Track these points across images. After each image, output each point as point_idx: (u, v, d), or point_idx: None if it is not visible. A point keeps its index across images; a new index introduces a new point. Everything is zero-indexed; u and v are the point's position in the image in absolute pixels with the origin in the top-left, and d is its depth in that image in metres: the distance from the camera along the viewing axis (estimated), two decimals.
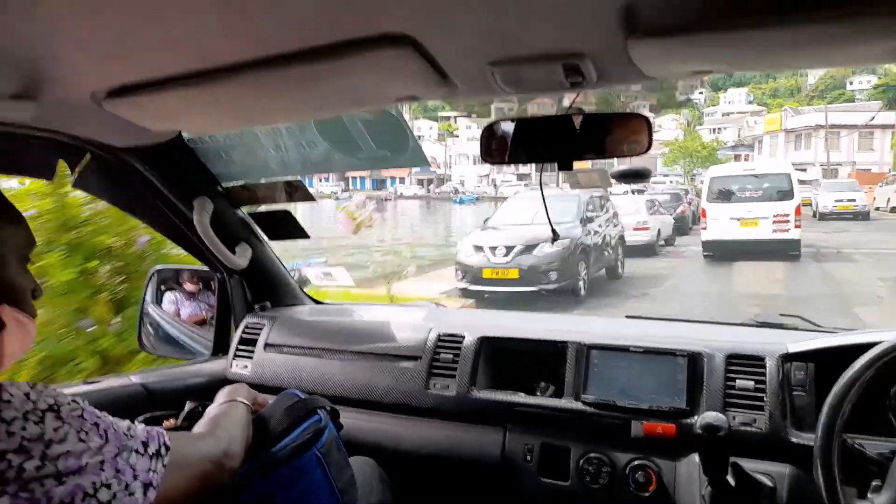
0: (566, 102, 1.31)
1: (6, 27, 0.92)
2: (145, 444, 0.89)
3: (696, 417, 1.43)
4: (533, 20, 0.95)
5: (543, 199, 1.45)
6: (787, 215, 12.93)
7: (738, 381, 1.50)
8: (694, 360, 1.55)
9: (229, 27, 0.96)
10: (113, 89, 1.22)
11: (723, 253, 13.22)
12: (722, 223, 13.42)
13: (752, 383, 1.48)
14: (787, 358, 1.50)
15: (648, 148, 1.25)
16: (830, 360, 1.42)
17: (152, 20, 0.92)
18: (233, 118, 1.50)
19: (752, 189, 13.73)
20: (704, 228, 13.77)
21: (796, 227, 12.94)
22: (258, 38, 1.00)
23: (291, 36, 1.00)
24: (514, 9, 0.90)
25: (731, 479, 1.29)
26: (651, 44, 0.95)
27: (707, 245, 13.65)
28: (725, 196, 13.93)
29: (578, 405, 1.62)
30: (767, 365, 1.49)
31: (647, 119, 1.25)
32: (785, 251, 12.82)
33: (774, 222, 13.03)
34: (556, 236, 1.74)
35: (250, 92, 1.21)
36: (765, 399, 1.46)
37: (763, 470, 1.37)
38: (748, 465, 1.33)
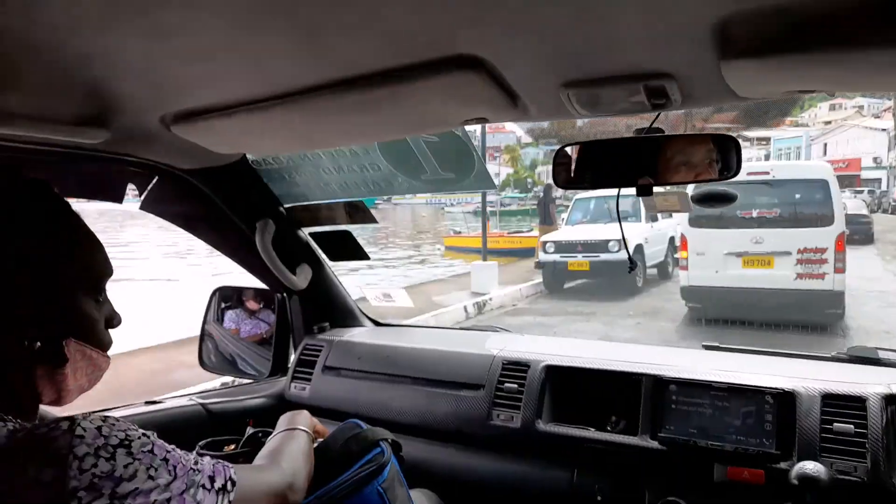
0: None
1: (77, 54, 0.93)
2: (212, 479, 0.86)
3: (787, 463, 1.32)
4: (612, 40, 0.89)
5: (620, 223, 1.37)
6: (823, 250, 7.80)
7: (835, 423, 1.37)
8: (784, 400, 1.42)
9: (297, 52, 0.94)
10: (181, 113, 1.22)
11: (714, 307, 8.23)
12: (712, 260, 8.27)
13: (851, 427, 1.35)
14: (892, 399, 1.36)
15: (738, 171, 1.16)
16: None
17: (222, 46, 0.91)
18: (297, 141, 1.49)
19: (764, 206, 8.27)
20: (684, 268, 8.61)
21: (838, 271, 7.75)
22: (326, 62, 0.98)
23: (360, 60, 0.97)
24: (592, 28, 0.85)
25: None
26: (746, 64, 0.88)
27: (689, 293, 8.58)
28: (718, 216, 8.44)
29: (654, 444, 1.51)
30: (869, 406, 1.36)
31: (735, 140, 1.16)
32: (818, 309, 7.64)
33: (800, 262, 7.87)
34: (632, 265, 1.65)
35: (316, 115, 1.19)
36: (866, 445, 1.32)
37: None
38: None
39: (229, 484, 0.88)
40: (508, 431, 1.68)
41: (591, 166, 1.27)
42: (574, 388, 1.72)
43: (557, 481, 1.61)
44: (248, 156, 1.73)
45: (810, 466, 1.16)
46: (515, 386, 1.72)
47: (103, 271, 0.94)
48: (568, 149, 1.28)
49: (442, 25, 0.85)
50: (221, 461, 0.91)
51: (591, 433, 1.60)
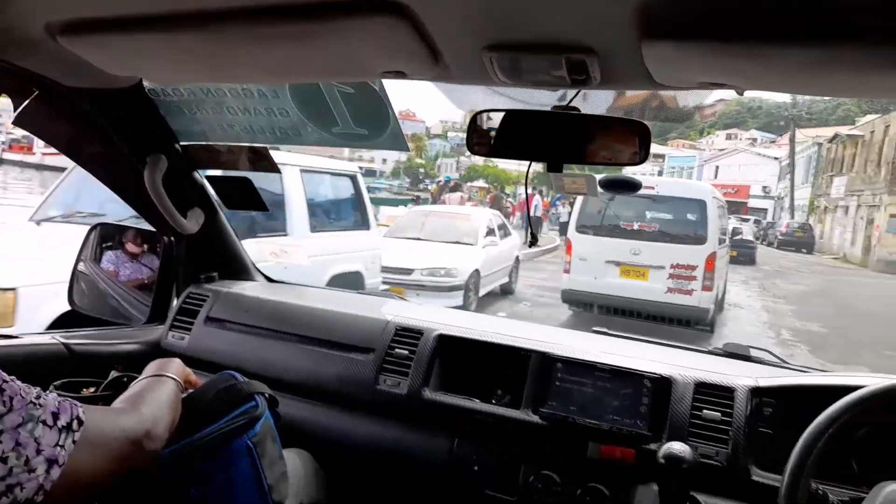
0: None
1: None
2: (55, 416, 0.80)
3: (657, 444, 1.38)
4: (540, 7, 0.88)
5: (528, 199, 1.37)
6: (693, 268, 8.12)
7: (704, 410, 1.44)
8: (661, 385, 1.49)
9: None
10: (71, 23, 1.09)
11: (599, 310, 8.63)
12: (593, 266, 8.52)
13: (718, 414, 1.43)
14: (757, 392, 1.45)
15: (645, 158, 1.18)
16: (799, 400, 1.40)
17: None
18: (201, 71, 1.37)
19: (646, 219, 8.63)
20: (566, 272, 8.85)
21: (705, 289, 8.11)
22: None
23: None
24: None
25: None
26: (665, 47, 0.89)
27: (568, 296, 8.91)
28: (603, 225, 8.76)
29: (535, 418, 1.54)
30: (736, 397, 1.45)
31: (646, 127, 1.19)
32: (688, 321, 8.25)
33: (672, 276, 8.18)
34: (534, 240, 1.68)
35: (224, 44, 1.10)
36: (730, 433, 1.41)
37: None
38: (706, 500, 1.28)
39: (75, 423, 0.82)
40: (394, 397, 1.67)
41: (508, 136, 1.26)
42: (464, 360, 1.73)
43: (437, 450, 1.61)
44: (146, 83, 1.59)
45: (677, 447, 1.22)
46: (406, 352, 1.71)
47: None
48: (486, 115, 1.26)
49: None
50: (70, 399, 0.84)
51: (476, 404, 1.62)
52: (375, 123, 1.51)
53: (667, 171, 47.48)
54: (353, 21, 0.93)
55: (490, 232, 10.10)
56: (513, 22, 0.93)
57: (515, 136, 1.25)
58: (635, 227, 8.64)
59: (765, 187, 46.50)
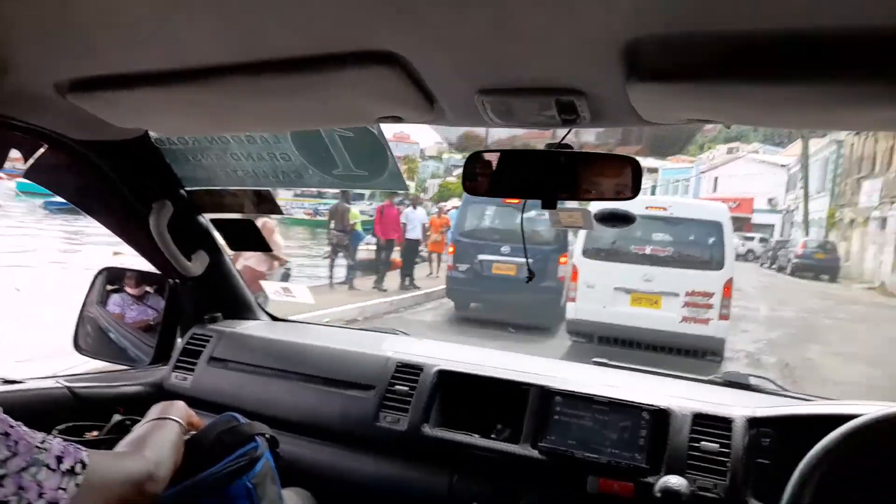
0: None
1: None
2: (59, 459, 0.82)
3: (655, 477, 1.39)
4: (528, 52, 0.92)
5: (523, 235, 1.41)
6: (710, 295, 7.55)
7: (702, 442, 1.45)
8: (659, 417, 1.50)
9: (207, 28, 0.91)
10: (79, 81, 1.14)
11: (598, 342, 7.89)
12: (601, 294, 7.92)
13: (716, 446, 1.44)
14: (754, 423, 1.46)
15: (636, 193, 1.22)
16: (798, 429, 1.40)
17: (123, 12, 0.86)
18: (205, 123, 1.43)
19: (658, 243, 8.02)
20: (572, 300, 8.20)
21: (722, 318, 7.57)
22: (240, 42, 0.95)
23: (275, 44, 0.95)
24: (509, 38, 0.87)
25: None
26: (651, 88, 0.93)
27: (575, 326, 8.20)
28: (612, 250, 8.12)
29: (534, 453, 1.55)
30: (734, 427, 1.45)
31: (636, 162, 1.22)
32: (700, 352, 7.50)
33: (687, 304, 7.61)
34: (531, 276, 1.71)
35: (226, 97, 1.15)
36: (728, 464, 1.41)
37: None
38: None
39: (78, 466, 0.84)
40: (393, 434, 1.68)
41: (504, 176, 1.30)
42: (464, 394, 1.74)
43: (436, 485, 1.62)
44: (151, 133, 1.65)
45: (673, 481, 1.23)
46: (406, 388, 1.73)
47: None
48: (482, 156, 1.30)
49: (360, 19, 0.84)
50: (74, 444, 0.86)
51: (475, 439, 1.63)
52: (374, 165, 1.55)
53: (660, 186, 44.02)
54: (349, 71, 0.97)
55: None
56: (503, 67, 0.98)
57: (511, 175, 1.29)
58: (647, 251, 7.98)
59: (771, 199, 40.46)
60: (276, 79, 1.02)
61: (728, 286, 7.64)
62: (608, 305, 7.90)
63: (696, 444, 1.45)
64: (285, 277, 7.99)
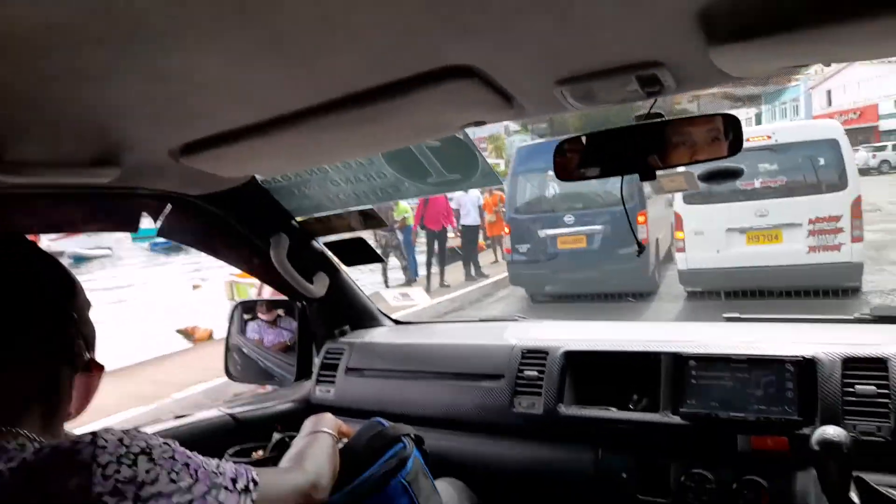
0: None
1: (83, 99, 0.96)
2: (234, 481, 0.90)
3: (810, 429, 1.34)
4: (599, 37, 0.90)
5: (627, 213, 1.39)
6: (837, 218, 6.89)
7: (856, 386, 1.38)
8: (805, 367, 1.44)
9: (293, 78, 0.96)
10: (188, 145, 1.25)
11: (716, 289, 7.44)
12: (712, 238, 7.33)
13: (873, 388, 1.36)
14: None
15: (738, 148, 1.17)
16: None
17: (219, 82, 0.94)
18: (301, 159, 1.52)
19: (768, 174, 7.33)
20: (681, 250, 7.67)
21: (855, 240, 6.89)
22: (319, 85, 1.00)
23: (351, 80, 0.99)
24: (577, 28, 0.86)
25: (854, 497, 1.19)
26: (734, 48, 0.89)
27: (687, 277, 7.76)
28: (716, 192, 7.36)
29: (676, 419, 1.53)
30: (891, 366, 1.37)
31: (734, 118, 1.18)
32: (834, 284, 6.83)
33: (812, 233, 6.99)
34: (640, 249, 1.68)
35: (317, 134, 1.22)
36: (889, 405, 1.34)
37: (891, 483, 1.26)
38: (874, 478, 1.23)
39: (251, 484, 0.92)
40: (531, 418, 1.71)
41: (594, 157, 1.29)
42: (594, 371, 1.74)
43: (582, 463, 1.64)
44: (257, 176, 1.76)
45: (830, 431, 1.18)
46: (535, 373, 1.75)
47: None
48: (571, 140, 1.30)
49: (428, 40, 0.86)
50: (244, 464, 0.95)
51: (613, 413, 1.63)
52: (466, 167, 1.58)
53: (766, 112, 38.58)
54: (427, 90, 1.00)
55: None
56: (576, 56, 0.97)
57: (602, 155, 1.27)
58: (756, 185, 7.33)
59: None
60: (360, 110, 1.07)
61: (857, 205, 6.99)
62: (722, 249, 7.36)
63: (851, 389, 1.38)
64: None
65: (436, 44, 0.88)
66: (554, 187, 8.86)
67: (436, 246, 11.22)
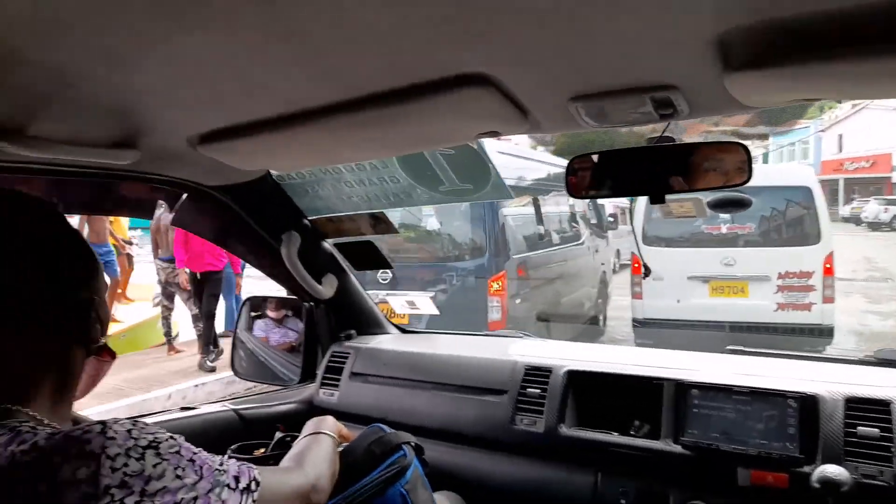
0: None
1: (107, 83, 0.98)
2: (237, 479, 0.90)
3: (811, 467, 1.31)
4: (616, 57, 0.91)
5: (634, 231, 1.38)
6: (809, 275, 6.29)
7: (859, 427, 1.35)
8: (807, 403, 1.42)
9: (311, 74, 0.98)
10: (205, 134, 1.27)
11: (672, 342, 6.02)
12: (672, 285, 6.58)
13: (876, 430, 1.33)
14: None
15: (749, 178, 1.17)
16: None
17: (238, 71, 0.95)
18: (317, 157, 1.53)
19: (737, 219, 6.69)
20: (637, 296, 6.87)
21: (826, 300, 6.31)
22: (337, 83, 1.01)
23: (369, 80, 1.00)
24: (595, 46, 0.87)
25: None
26: (749, 76, 0.89)
27: (642, 326, 6.91)
28: (679, 233, 6.74)
29: (677, 448, 1.51)
30: (894, 410, 1.34)
31: (745, 147, 1.17)
32: (804, 343, 6.22)
33: (782, 289, 6.36)
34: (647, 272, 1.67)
35: (334, 133, 1.23)
36: (892, 449, 1.30)
37: None
38: None
39: (253, 484, 0.92)
40: (532, 436, 1.70)
41: (606, 176, 1.29)
42: (596, 393, 1.73)
43: (581, 486, 1.62)
44: (272, 171, 1.78)
45: (832, 470, 1.16)
46: (538, 391, 1.74)
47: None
48: (583, 157, 1.30)
49: (447, 47, 0.87)
50: (246, 463, 0.95)
51: (614, 437, 1.61)
52: (478, 178, 1.59)
53: (772, 152, 35.70)
54: (443, 97, 1.01)
55: None
56: (592, 73, 0.97)
57: (614, 174, 1.27)
58: (723, 230, 6.64)
59: None
60: (376, 111, 1.08)
61: (829, 262, 6.37)
62: (683, 299, 6.62)
63: (853, 430, 1.36)
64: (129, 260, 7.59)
65: (454, 50, 0.89)
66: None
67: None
